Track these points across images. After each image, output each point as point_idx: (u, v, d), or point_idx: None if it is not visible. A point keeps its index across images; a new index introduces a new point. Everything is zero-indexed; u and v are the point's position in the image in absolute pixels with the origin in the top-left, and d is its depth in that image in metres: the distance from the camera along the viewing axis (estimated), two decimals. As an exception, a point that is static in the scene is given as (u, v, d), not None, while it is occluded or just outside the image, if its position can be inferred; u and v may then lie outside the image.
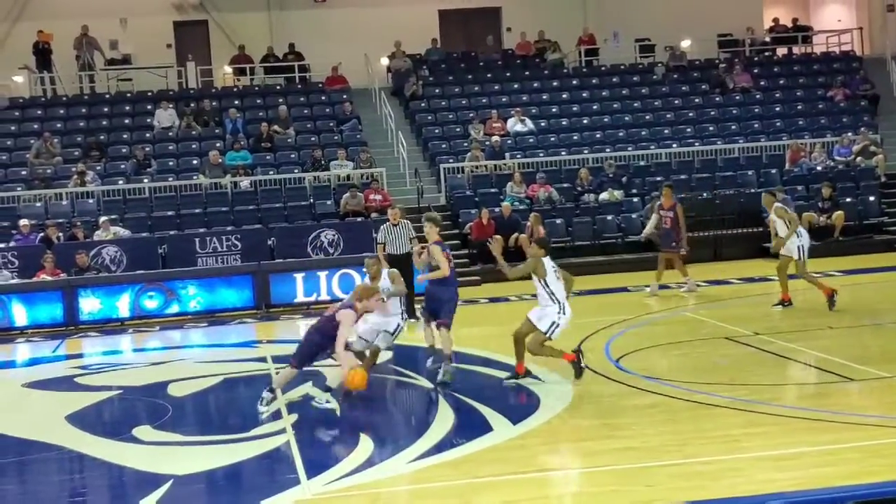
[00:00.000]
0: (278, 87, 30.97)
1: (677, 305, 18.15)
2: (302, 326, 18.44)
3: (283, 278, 20.13)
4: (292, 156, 27.18)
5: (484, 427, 10.58)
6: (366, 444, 10.09)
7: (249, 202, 24.69)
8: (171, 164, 26.85)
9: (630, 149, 27.56)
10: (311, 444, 10.44)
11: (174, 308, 19.82)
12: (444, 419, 10.94)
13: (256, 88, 30.99)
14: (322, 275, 20.06)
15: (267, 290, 19.95)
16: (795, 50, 33.93)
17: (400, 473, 9.26)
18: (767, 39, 33.76)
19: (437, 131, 28.81)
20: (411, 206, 24.92)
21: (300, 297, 20.06)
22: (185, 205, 24.58)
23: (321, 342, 11.81)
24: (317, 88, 30.89)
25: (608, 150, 27.45)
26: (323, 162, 26.03)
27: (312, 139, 27.91)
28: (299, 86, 31.24)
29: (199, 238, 21.91)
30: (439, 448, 9.89)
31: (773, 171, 26.13)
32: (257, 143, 27.13)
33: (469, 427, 10.66)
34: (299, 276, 20.06)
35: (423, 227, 13.82)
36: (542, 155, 27.22)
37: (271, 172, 26.04)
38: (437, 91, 30.76)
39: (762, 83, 30.85)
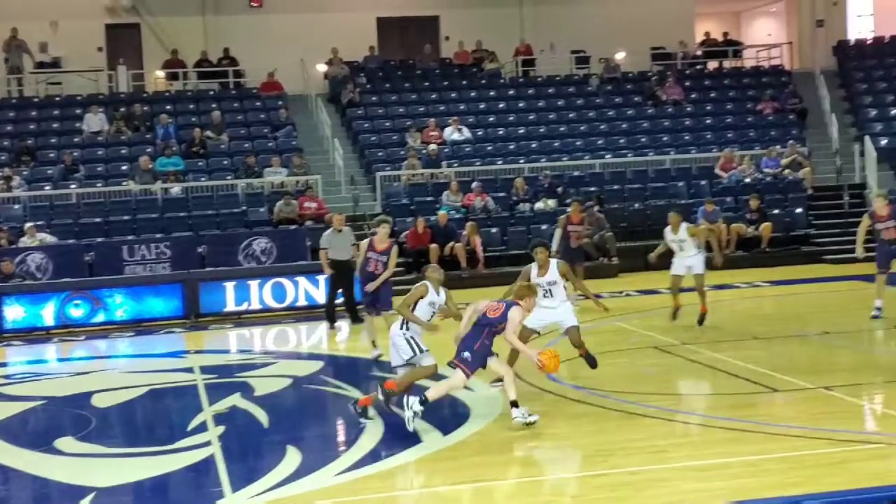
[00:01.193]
0: (212, 93, 30.71)
1: (603, 316, 18.19)
2: (231, 336, 18.32)
3: (214, 287, 19.89)
4: (225, 162, 26.95)
5: (413, 438, 10.54)
6: (293, 457, 10.00)
7: (180, 209, 24.43)
8: (99, 169, 26.50)
9: (565, 159, 27.70)
10: (237, 457, 10.31)
11: (100, 317, 19.49)
12: (374, 430, 10.88)
13: (189, 93, 30.71)
14: (253, 284, 19.88)
15: (196, 299, 19.71)
16: (726, 63, 34.36)
17: (327, 486, 9.18)
18: (699, 53, 34.16)
19: (373, 139, 28.74)
20: (346, 213, 24.83)
21: (230, 307, 19.85)
22: (113, 211, 24.25)
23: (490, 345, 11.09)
24: (251, 94, 30.68)
25: (543, 159, 27.58)
26: (256, 169, 25.84)
27: (246, 145, 27.70)
28: (233, 91, 31.00)
29: (128, 245, 21.60)
30: (368, 460, 9.83)
31: (703, 182, 26.41)
32: (189, 149, 26.87)
33: (398, 438, 10.61)
34: (230, 285, 19.84)
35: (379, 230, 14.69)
36: (478, 164, 27.27)
37: (203, 179, 25.79)
38: (374, 98, 30.70)
39: (693, 96, 31.20)
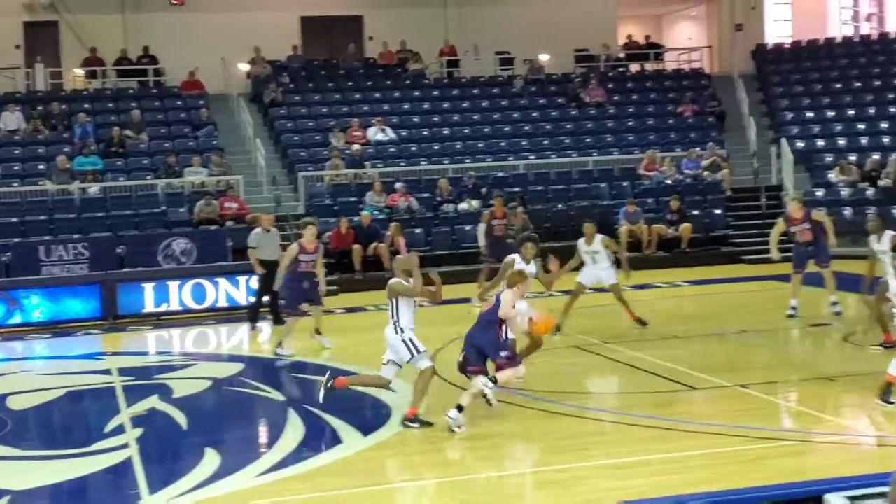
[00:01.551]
0: (131, 91, 30.28)
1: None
2: (150, 338, 18.08)
3: (132, 288, 19.59)
4: (145, 162, 26.60)
5: (334, 439, 10.50)
6: (212, 458, 9.89)
7: (98, 209, 24.04)
8: (16, 168, 25.99)
9: (489, 160, 27.79)
10: (155, 459, 10.18)
11: (17, 318, 19.07)
12: (294, 432, 10.81)
13: (108, 92, 30.25)
14: (173, 285, 19.61)
15: (114, 301, 19.40)
16: (648, 66, 34.74)
17: (246, 487, 9.10)
18: (621, 55, 34.49)
19: (296, 139, 28.56)
20: (269, 214, 24.66)
21: (149, 308, 19.57)
22: (30, 211, 23.79)
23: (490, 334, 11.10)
24: (172, 93, 30.31)
25: (468, 160, 27.63)
26: (177, 168, 25.53)
27: (166, 145, 27.36)
28: (154, 90, 30.61)
29: (45, 246, 21.19)
30: (288, 461, 9.76)
31: (625, 183, 26.67)
32: (108, 149, 26.46)
33: (319, 439, 10.57)
34: (149, 286, 19.56)
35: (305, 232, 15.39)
36: (402, 164, 27.23)
37: (122, 178, 25.43)
38: (297, 98, 30.51)
39: (616, 98, 31.49)
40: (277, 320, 18.05)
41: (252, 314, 18.21)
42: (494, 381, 10.83)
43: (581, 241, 16.26)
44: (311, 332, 15.97)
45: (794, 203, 16.99)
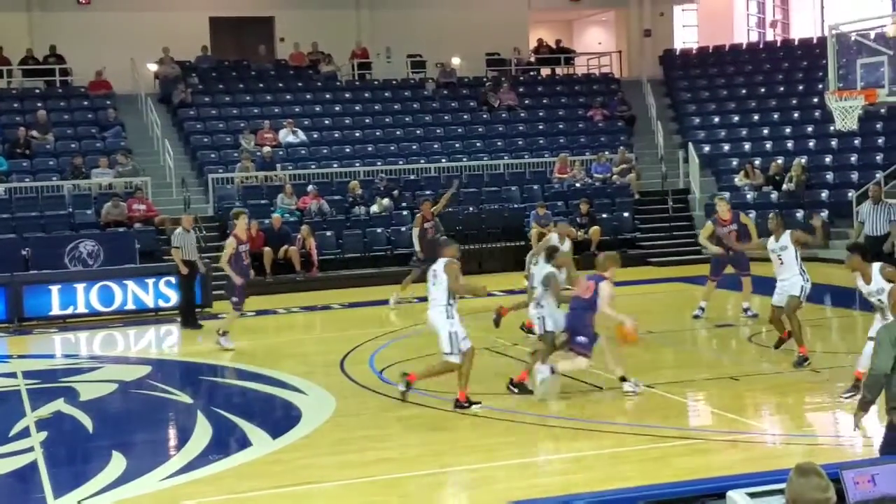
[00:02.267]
0: (37, 91, 29.70)
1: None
2: (56, 341, 17.80)
3: (38, 290, 19.25)
4: (51, 163, 26.11)
5: (242, 442, 10.46)
6: (118, 462, 9.79)
7: (3, 210, 23.49)
8: (-82, 169, 25.36)
9: (401, 162, 27.80)
10: (60, 463, 10.05)
11: (-82, 321, 18.69)
12: (202, 435, 10.73)
13: (14, 92, 29.63)
14: (80, 287, 19.31)
15: (20, 303, 19.04)
16: (559, 71, 35.06)
17: (152, 491, 9.04)
18: (533, 60, 34.77)
19: (206, 140, 28.27)
20: (178, 216, 24.37)
21: (56, 311, 19.24)
22: (-67, 212, 23.25)
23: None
24: (79, 93, 29.81)
25: (379, 163, 27.61)
26: (84, 170, 25.12)
27: (73, 146, 26.89)
28: (60, 90, 30.07)
29: (-52, 248, 20.76)
30: (195, 464, 9.70)
31: (536, 186, 26.89)
32: (13, 149, 25.93)
33: (227, 442, 10.53)
34: (55, 289, 19.23)
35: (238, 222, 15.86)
36: (313, 167, 27.12)
37: (27, 180, 24.93)
38: (206, 99, 30.21)
39: (527, 102, 31.72)
40: (193, 322, 17.98)
41: (189, 314, 18.07)
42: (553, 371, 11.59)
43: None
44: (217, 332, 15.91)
45: (722, 204, 16.84)
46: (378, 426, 10.91)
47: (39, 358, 16.38)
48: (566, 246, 14.27)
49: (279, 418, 11.75)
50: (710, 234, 16.65)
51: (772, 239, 13.29)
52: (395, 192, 25.64)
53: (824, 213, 23.26)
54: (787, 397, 11.89)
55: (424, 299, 19.18)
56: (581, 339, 11.62)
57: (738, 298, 17.21)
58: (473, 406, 11.23)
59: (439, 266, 11.39)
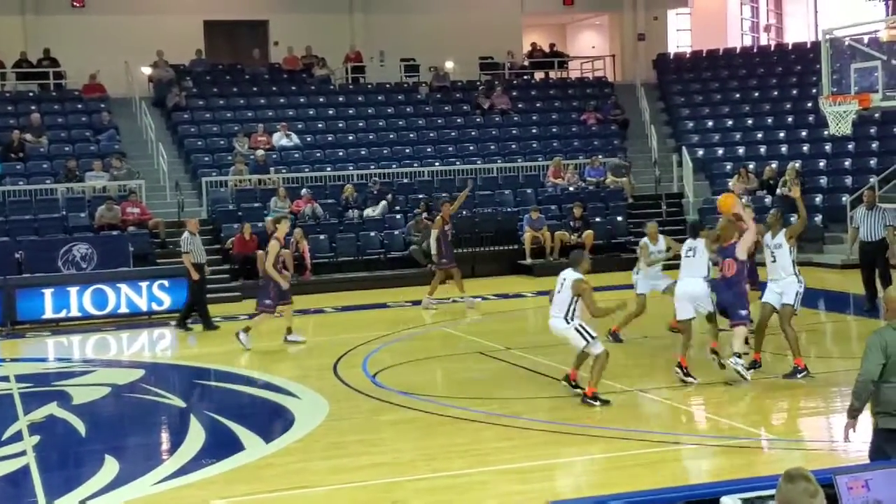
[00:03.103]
0: (31, 94, 29.68)
1: (435, 321, 18.41)
2: (49, 344, 17.77)
3: (31, 293, 19.22)
4: (45, 166, 26.09)
5: (235, 446, 10.45)
6: (111, 466, 9.78)
7: (-4, 213, 23.55)
8: (-89, 171, 25.31)
9: (394, 166, 27.81)
10: (53, 467, 10.04)
11: (-88, 325, 18.64)
12: (195, 439, 10.73)
13: (7, 95, 29.60)
14: (73, 290, 19.29)
15: (13, 306, 19.00)
16: (552, 74, 35.07)
17: (145, 495, 9.03)
18: (526, 63, 34.78)
19: (199, 144, 28.26)
20: (171, 219, 24.41)
21: (49, 314, 19.20)
22: (-74, 215, 23.21)
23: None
24: (73, 96, 29.79)
25: (373, 166, 27.62)
26: (77, 173, 25.09)
27: (67, 149, 26.86)
28: (54, 93, 30.04)
29: (-60, 250, 20.71)
30: (188, 468, 9.69)
31: (529, 190, 26.90)
32: (7, 152, 25.89)
33: (220, 446, 10.51)
34: (48, 292, 19.21)
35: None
36: (307, 170, 27.11)
37: (21, 183, 24.90)
38: (200, 103, 30.18)
39: (520, 105, 31.74)
40: (186, 325, 17.99)
41: (205, 317, 18.08)
42: (739, 355, 12.17)
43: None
44: (285, 333, 16.22)
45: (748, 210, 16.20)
46: (371, 430, 10.91)
47: (32, 361, 16.37)
48: (661, 244, 15.00)
49: (272, 422, 11.75)
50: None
51: (769, 234, 13.18)
52: (389, 197, 25.62)
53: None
54: (780, 402, 11.91)
55: (457, 301, 19.50)
56: (742, 312, 12.33)
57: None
58: (601, 403, 11.52)
59: (569, 279, 11.67)
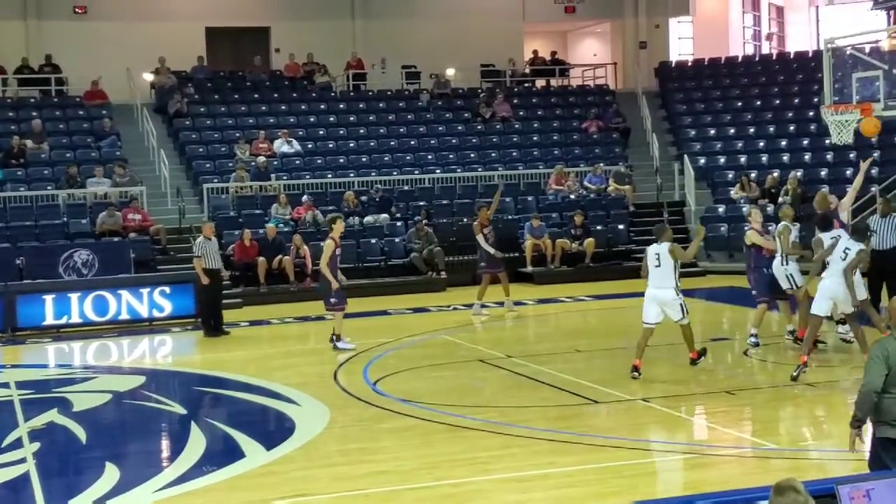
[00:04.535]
0: (32, 100, 29.70)
1: (436, 328, 18.38)
2: (50, 350, 17.75)
3: (32, 300, 19.19)
4: (46, 172, 26.09)
5: (236, 453, 10.43)
6: (111, 474, 9.76)
7: (-3, 219, 23.54)
8: (-88, 177, 25.31)
9: (395, 173, 27.81)
10: (53, 474, 10.02)
11: (-89, 331, 18.61)
12: (195, 446, 10.70)
13: (9, 101, 29.61)
14: (74, 297, 19.25)
15: (14, 313, 18.98)
16: (553, 82, 35.07)
17: (146, 502, 9.00)
18: (527, 71, 34.80)
19: (201, 150, 28.26)
20: (173, 226, 24.41)
21: (49, 320, 19.17)
22: (-74, 221, 23.20)
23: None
24: (74, 103, 29.81)
25: (373, 173, 27.63)
26: (79, 179, 25.09)
27: (68, 155, 26.87)
28: (55, 99, 30.06)
29: (-59, 256, 20.69)
30: (189, 476, 9.67)
31: (530, 198, 26.89)
32: (7, 158, 25.89)
33: (221, 454, 10.49)
34: (49, 298, 19.18)
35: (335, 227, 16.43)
36: (308, 177, 27.11)
37: (22, 189, 24.91)
38: (202, 109, 30.19)
39: (521, 113, 31.75)
40: (216, 330, 17.96)
41: (208, 324, 18.12)
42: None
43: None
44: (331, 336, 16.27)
45: (755, 213, 15.63)
46: (372, 438, 10.89)
47: (33, 368, 16.34)
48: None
49: (273, 430, 11.74)
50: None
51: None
52: (392, 210, 25.57)
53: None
54: (782, 411, 11.90)
55: (501, 304, 19.53)
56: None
57: (734, 313, 17.19)
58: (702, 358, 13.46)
59: (662, 250, 13.17)
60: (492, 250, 19.75)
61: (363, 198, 25.72)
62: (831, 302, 13.30)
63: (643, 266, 13.63)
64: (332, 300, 16.27)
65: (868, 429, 7.14)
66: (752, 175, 27.31)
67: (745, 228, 15.87)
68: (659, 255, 13.13)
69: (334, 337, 16.22)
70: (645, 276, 13.54)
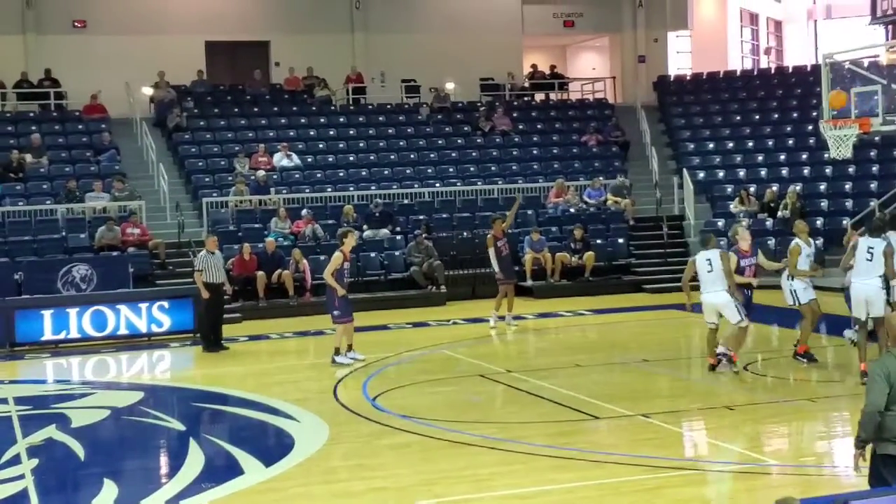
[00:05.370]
0: (32, 114, 29.70)
1: (436, 343, 18.34)
2: (48, 366, 17.70)
3: (30, 315, 19.13)
4: (45, 186, 26.08)
5: (235, 470, 10.39)
6: (110, 490, 9.72)
7: (-5, 234, 23.52)
8: (-89, 191, 25.30)
9: (395, 187, 27.80)
10: (52, 490, 9.98)
11: None
12: (194, 463, 10.65)
13: (8, 115, 29.62)
14: (72, 311, 19.19)
15: (12, 328, 18.91)
16: (553, 96, 35.12)
17: (144, 520, 8.97)
18: (527, 85, 34.83)
19: (200, 164, 28.25)
20: (172, 240, 24.39)
21: (48, 336, 19.11)
22: (-75, 235, 23.18)
23: None
24: (73, 117, 29.82)
25: (373, 187, 27.62)
26: (78, 193, 25.08)
27: (67, 169, 26.86)
28: (55, 113, 30.07)
29: (-61, 271, 20.66)
30: (188, 492, 9.62)
31: (530, 212, 26.87)
32: (6, 172, 25.88)
33: (219, 470, 10.45)
34: (47, 313, 19.13)
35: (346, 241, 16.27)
36: (307, 191, 27.10)
37: (21, 203, 24.89)
38: (201, 123, 30.20)
39: (521, 127, 31.76)
40: (215, 345, 17.94)
41: (207, 339, 18.04)
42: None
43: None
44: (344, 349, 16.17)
45: (742, 230, 15.09)
46: (371, 454, 10.85)
47: (31, 383, 16.30)
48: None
49: (272, 446, 11.69)
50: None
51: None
52: (391, 227, 25.53)
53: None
54: (783, 427, 11.86)
55: (520, 317, 19.64)
56: None
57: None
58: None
59: (713, 255, 13.83)
60: (497, 267, 19.66)
61: (364, 212, 25.68)
62: (865, 303, 13.28)
63: (686, 274, 14.38)
64: (336, 312, 16.20)
65: (868, 446, 7.11)
66: (751, 189, 27.34)
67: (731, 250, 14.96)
68: (710, 261, 13.80)
69: (335, 350, 16.16)
70: (686, 285, 14.28)
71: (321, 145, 29.87)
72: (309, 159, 28.86)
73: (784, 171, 28.96)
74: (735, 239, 14.91)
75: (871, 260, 13.10)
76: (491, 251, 19.76)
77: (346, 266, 16.32)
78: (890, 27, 31.72)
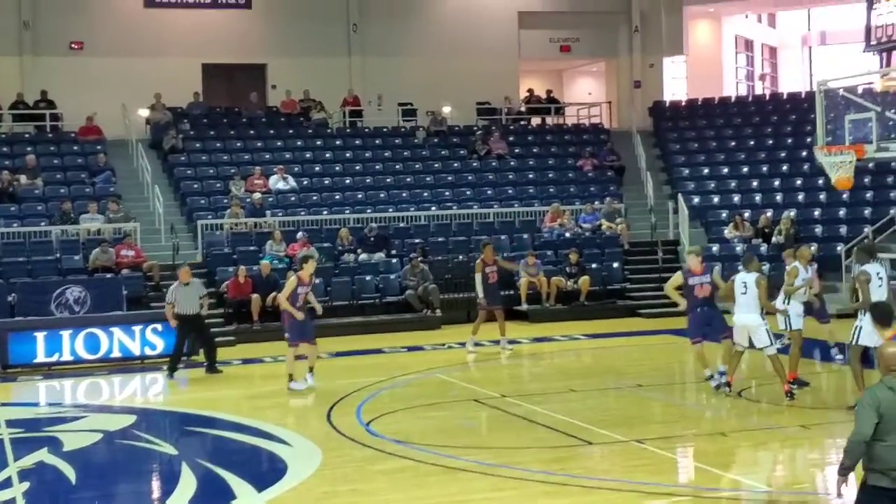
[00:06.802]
0: (27, 136, 29.71)
1: (430, 367, 18.31)
2: (41, 388, 17.64)
3: (23, 337, 19.09)
4: (39, 207, 26.05)
5: (227, 494, 10.33)
6: (100, 515, 9.67)
7: (-11, 255, 23.46)
8: None
9: (391, 210, 27.81)
10: (42, 515, 9.92)
11: None
12: (186, 487, 10.60)
13: (3, 136, 29.61)
14: (65, 334, 19.15)
15: (5, 350, 18.88)
16: (549, 120, 35.21)
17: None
18: (523, 109, 34.91)
19: (196, 186, 28.25)
20: (166, 262, 24.34)
21: (41, 358, 19.05)
22: (-81, 256, 23.11)
23: None
24: (69, 138, 29.83)
25: (369, 210, 27.63)
26: (72, 215, 25.05)
27: (62, 191, 26.85)
28: (50, 135, 30.07)
29: (-67, 293, 20.61)
30: (179, 517, 9.58)
31: (525, 236, 26.88)
32: (0, 194, 25.85)
33: (211, 495, 10.40)
34: (40, 335, 19.07)
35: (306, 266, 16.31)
36: (303, 213, 27.10)
37: (15, 225, 24.86)
38: (197, 145, 30.22)
39: (517, 151, 31.82)
40: (213, 369, 17.91)
41: (172, 364, 17.92)
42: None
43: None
44: (305, 371, 16.06)
45: (692, 256, 15.03)
46: (364, 480, 10.80)
47: (23, 406, 16.24)
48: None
49: (264, 470, 11.63)
50: (679, 284, 14.99)
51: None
52: (385, 251, 25.50)
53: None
54: (776, 453, 11.83)
55: (497, 342, 19.55)
56: None
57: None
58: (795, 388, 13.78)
59: (749, 279, 13.77)
60: (481, 293, 19.60)
61: (359, 236, 25.66)
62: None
63: (723, 290, 14.43)
64: (286, 335, 16.13)
65: (851, 475, 7.08)
66: (746, 214, 27.37)
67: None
68: (746, 284, 13.76)
69: (289, 377, 16.00)
70: (724, 297, 14.54)
71: (317, 168, 29.89)
72: (305, 182, 28.87)
73: (778, 197, 29.01)
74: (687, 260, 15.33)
75: (881, 286, 13.15)
76: (478, 276, 19.70)
77: (302, 290, 16.04)
78: (884, 54, 31.84)
